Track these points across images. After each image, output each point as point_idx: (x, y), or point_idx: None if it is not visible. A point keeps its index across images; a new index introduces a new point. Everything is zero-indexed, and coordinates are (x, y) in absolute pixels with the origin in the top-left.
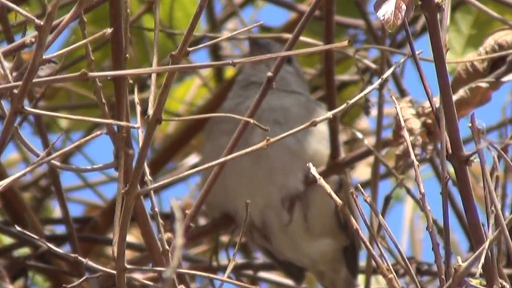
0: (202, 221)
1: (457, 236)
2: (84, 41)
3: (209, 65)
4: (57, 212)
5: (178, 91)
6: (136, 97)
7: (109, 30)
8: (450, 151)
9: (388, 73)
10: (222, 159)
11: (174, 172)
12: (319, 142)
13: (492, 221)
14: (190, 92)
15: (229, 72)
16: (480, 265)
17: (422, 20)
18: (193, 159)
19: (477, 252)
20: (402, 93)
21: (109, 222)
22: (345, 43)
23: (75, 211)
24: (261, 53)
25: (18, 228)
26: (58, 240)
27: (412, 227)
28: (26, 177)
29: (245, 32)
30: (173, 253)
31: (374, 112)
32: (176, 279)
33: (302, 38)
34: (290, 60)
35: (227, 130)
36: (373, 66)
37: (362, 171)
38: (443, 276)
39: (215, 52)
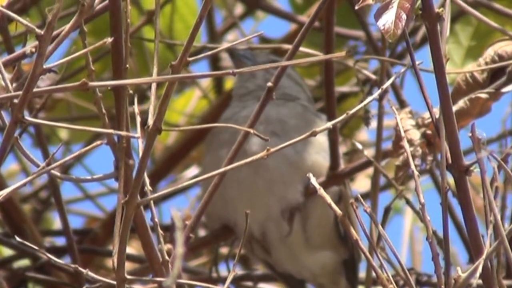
0: (202, 233)
1: (457, 247)
2: (85, 50)
3: (209, 74)
4: (57, 224)
5: (178, 102)
6: (136, 108)
7: (109, 40)
8: (450, 161)
9: (387, 83)
10: (221, 170)
11: (174, 184)
12: (318, 153)
13: (491, 231)
14: (190, 104)
15: (229, 84)
16: (478, 276)
17: (422, 31)
18: (193, 171)
19: (476, 263)
20: (402, 104)
21: (109, 233)
22: (344, 53)
23: (76, 223)
24: (241, 64)
25: (18, 239)
26: (58, 251)
27: (412, 239)
28: (26, 188)
29: (245, 43)
30: (173, 263)
31: (374, 123)
32: None
33: (302, 48)
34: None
35: (225, 141)
36: (373, 77)
37: (362, 183)
38: (442, 287)
39: (215, 63)
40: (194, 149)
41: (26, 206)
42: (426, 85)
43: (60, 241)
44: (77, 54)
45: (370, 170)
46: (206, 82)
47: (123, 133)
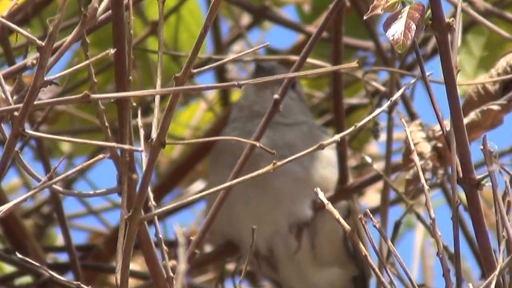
0: (208, 249)
1: (470, 263)
2: (87, 62)
3: (213, 86)
4: (60, 240)
5: (183, 115)
6: (139, 121)
7: (111, 51)
8: (461, 174)
9: (397, 95)
10: (227, 184)
11: (180, 198)
12: (325, 168)
13: (503, 247)
14: (196, 116)
15: (235, 96)
16: None
17: (432, 42)
18: (199, 185)
19: (488, 279)
20: (413, 116)
21: (113, 249)
22: (353, 64)
23: (79, 238)
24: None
25: (19, 256)
26: (60, 268)
27: (423, 254)
28: (28, 203)
29: (251, 54)
30: (176, 280)
31: (383, 136)
32: None
33: (309, 60)
34: (293, 84)
35: (230, 164)
36: (382, 88)
37: (371, 197)
38: None
39: (221, 75)
40: (199, 163)
41: (28, 221)
42: (437, 96)
43: (63, 257)
44: (79, 66)
45: (380, 184)
46: (211, 94)
47: (126, 146)
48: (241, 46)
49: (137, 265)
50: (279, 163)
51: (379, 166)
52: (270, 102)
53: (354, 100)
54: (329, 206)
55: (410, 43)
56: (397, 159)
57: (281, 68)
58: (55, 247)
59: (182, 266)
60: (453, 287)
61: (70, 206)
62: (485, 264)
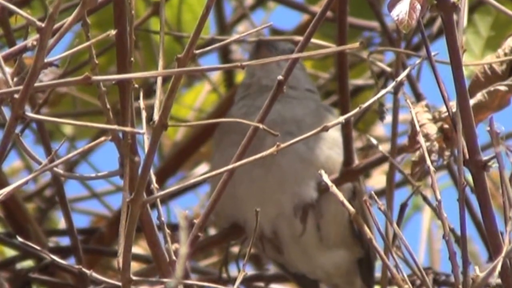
0: (212, 232)
1: (477, 246)
2: (88, 43)
3: (216, 68)
4: (62, 223)
5: (187, 97)
6: (141, 103)
7: (113, 32)
8: (467, 156)
9: (402, 75)
10: (230, 166)
11: (183, 181)
12: (330, 148)
13: (510, 228)
14: (200, 98)
15: (240, 77)
16: (496, 274)
17: (438, 22)
18: (203, 168)
19: (495, 262)
20: (419, 97)
21: (116, 233)
22: (357, 45)
23: (82, 222)
24: (269, 51)
25: (21, 240)
26: (62, 252)
27: (430, 236)
28: (30, 187)
29: (254, 35)
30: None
31: (388, 117)
32: None
33: (314, 40)
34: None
35: (237, 142)
36: (388, 69)
37: (378, 179)
38: (460, 286)
39: (225, 56)
40: (203, 145)
41: (30, 204)
42: (444, 77)
43: (65, 241)
44: (80, 47)
45: (386, 166)
46: (216, 76)
47: (128, 129)
48: (245, 27)
49: (141, 248)
50: (282, 145)
51: (385, 147)
52: (277, 73)
53: (359, 81)
54: (334, 188)
55: (415, 23)
56: (403, 140)
57: (282, 43)
58: (57, 231)
59: (184, 250)
60: (460, 270)
61: (73, 189)
62: (492, 246)
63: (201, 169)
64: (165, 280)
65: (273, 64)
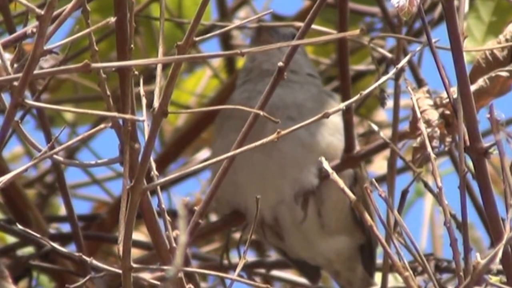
0: (214, 218)
1: (480, 232)
2: (87, 30)
3: (216, 55)
4: (63, 209)
5: (188, 82)
6: (141, 89)
7: (112, 19)
8: (468, 143)
9: (403, 61)
10: (231, 153)
11: (185, 167)
12: (332, 135)
13: (510, 215)
14: (201, 84)
15: (241, 63)
16: (497, 261)
17: (440, 8)
18: (204, 153)
19: (496, 248)
20: (420, 83)
21: (117, 219)
22: (357, 31)
23: (83, 208)
24: (270, 36)
25: (21, 227)
26: (63, 238)
27: (432, 223)
28: (31, 173)
29: (255, 21)
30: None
31: (390, 103)
32: (184, 278)
33: (315, 26)
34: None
35: (238, 127)
36: (389, 55)
37: (379, 165)
38: (461, 273)
39: (226, 42)
40: (204, 131)
41: (31, 191)
42: (445, 64)
43: (66, 227)
44: (79, 34)
45: (388, 152)
46: (217, 62)
47: (128, 116)
48: (246, 13)
49: (142, 235)
50: (283, 132)
51: (386, 133)
52: (278, 57)
53: (361, 67)
54: (334, 175)
55: (415, 10)
56: (404, 126)
57: (283, 28)
58: (58, 217)
59: (183, 238)
60: (461, 257)
61: (74, 176)
62: (493, 233)
63: (202, 155)
64: (165, 267)
65: (276, 50)
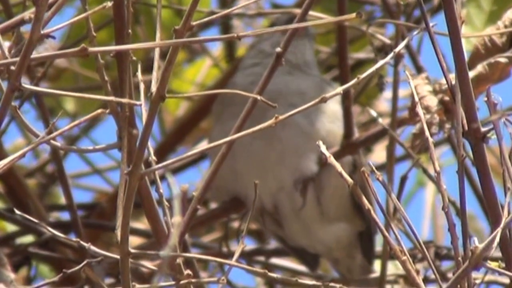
0: (213, 206)
1: (482, 223)
2: (84, 14)
3: (213, 39)
4: (64, 200)
5: (188, 72)
6: (139, 75)
7: (109, 4)
8: (466, 127)
9: (401, 46)
10: (229, 138)
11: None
12: (332, 122)
13: (508, 199)
14: (201, 73)
15: (241, 51)
16: (495, 245)
17: None
18: (205, 144)
19: (494, 233)
20: (419, 70)
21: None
22: (354, 15)
23: (85, 198)
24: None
25: (20, 214)
26: (63, 227)
27: (434, 211)
28: (32, 162)
29: (254, 8)
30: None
31: (389, 92)
32: (182, 264)
33: (312, 13)
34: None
35: (238, 113)
36: (388, 41)
37: (379, 155)
38: (460, 258)
39: (226, 31)
40: (204, 120)
41: (31, 180)
42: (445, 51)
43: (66, 217)
44: (77, 18)
45: (388, 142)
46: (217, 51)
47: (125, 100)
48: (247, 1)
49: (142, 224)
50: (281, 117)
51: (386, 122)
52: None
53: (361, 55)
54: (331, 159)
55: None
56: (404, 113)
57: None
58: (58, 206)
59: (178, 219)
60: (459, 242)
61: (75, 165)
62: (492, 217)
63: (203, 145)
64: (160, 253)
65: (306, 41)
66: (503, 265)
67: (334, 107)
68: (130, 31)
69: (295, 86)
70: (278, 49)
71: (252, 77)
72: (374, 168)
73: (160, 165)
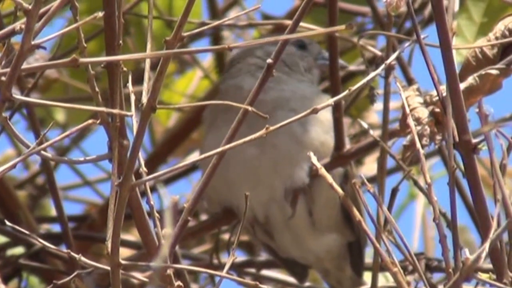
0: (204, 218)
1: (474, 235)
2: (75, 25)
3: (204, 49)
4: (54, 211)
5: (179, 83)
6: (130, 86)
7: (100, 14)
8: (457, 139)
9: (392, 58)
10: (220, 149)
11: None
12: (327, 132)
13: (497, 210)
14: (192, 85)
15: None
16: (483, 256)
17: (430, 8)
18: (196, 155)
19: (484, 245)
20: (411, 82)
21: (107, 219)
22: (344, 26)
23: (76, 209)
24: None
25: (10, 224)
26: (53, 238)
27: (424, 224)
28: (22, 174)
29: (245, 20)
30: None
31: (380, 104)
32: (173, 276)
33: (303, 24)
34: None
35: (233, 119)
36: (379, 53)
37: (370, 167)
38: (451, 270)
39: (217, 42)
40: (195, 131)
41: (22, 192)
42: (436, 63)
43: (57, 228)
44: (67, 29)
45: (379, 154)
46: (207, 63)
47: (115, 111)
48: (237, 13)
49: (133, 235)
50: (271, 128)
51: (377, 134)
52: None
53: (352, 67)
54: (323, 170)
55: (403, 5)
56: (396, 126)
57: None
58: (48, 217)
59: (169, 230)
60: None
61: (66, 177)
62: (482, 229)
63: (194, 156)
64: (152, 264)
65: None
66: (494, 276)
67: (329, 117)
68: (121, 42)
69: (300, 92)
70: (269, 60)
71: (251, 78)
72: (365, 180)
73: (150, 176)
